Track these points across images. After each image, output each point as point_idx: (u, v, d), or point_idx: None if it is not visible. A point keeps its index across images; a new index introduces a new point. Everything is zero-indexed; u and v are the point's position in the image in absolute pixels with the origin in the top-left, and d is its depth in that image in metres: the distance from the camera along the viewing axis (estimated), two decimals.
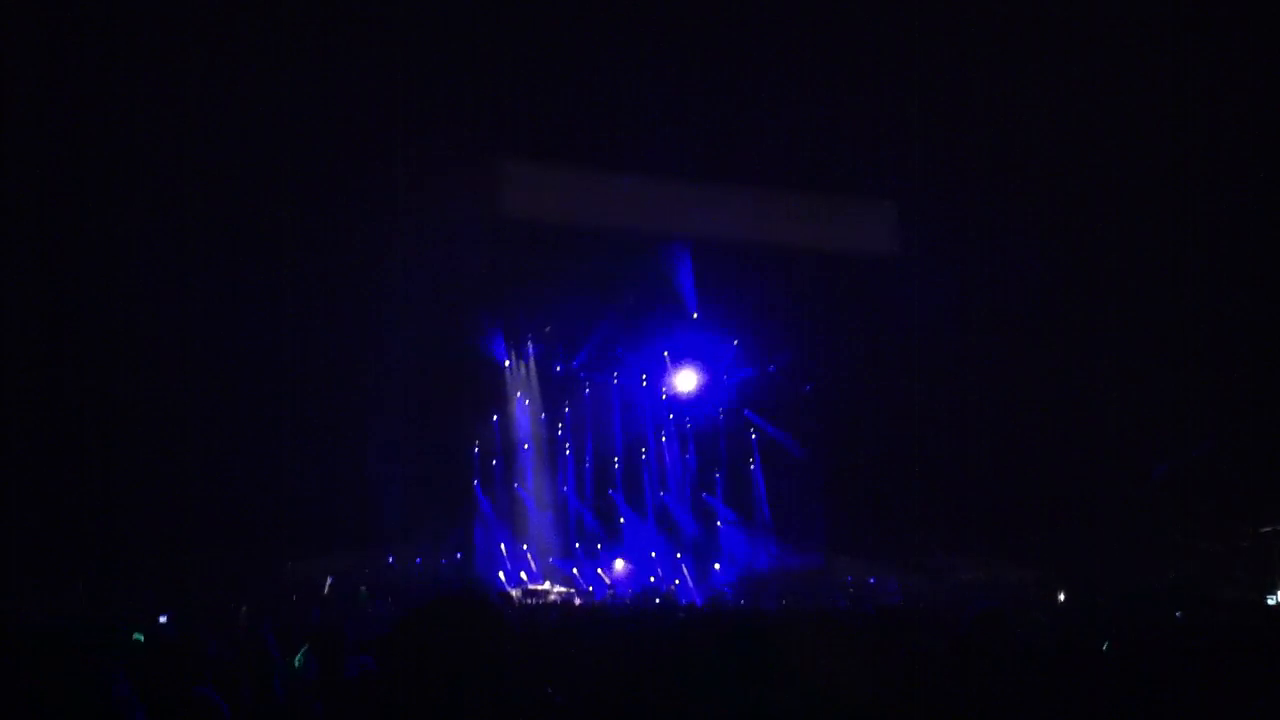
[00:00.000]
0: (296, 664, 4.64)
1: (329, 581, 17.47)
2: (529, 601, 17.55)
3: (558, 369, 22.68)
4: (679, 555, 21.59)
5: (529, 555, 21.46)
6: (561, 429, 22.96)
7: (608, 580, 20.80)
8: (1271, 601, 14.55)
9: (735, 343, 22.22)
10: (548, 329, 22.42)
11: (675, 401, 22.71)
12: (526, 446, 22.58)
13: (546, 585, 19.93)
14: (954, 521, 18.92)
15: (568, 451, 22.88)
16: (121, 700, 1.65)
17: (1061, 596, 15.16)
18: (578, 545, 21.88)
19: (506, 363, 22.15)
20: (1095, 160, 15.93)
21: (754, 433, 22.58)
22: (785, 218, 19.02)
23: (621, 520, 22.26)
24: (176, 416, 16.72)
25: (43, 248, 14.93)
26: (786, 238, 19.36)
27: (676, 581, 20.74)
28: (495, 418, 22.45)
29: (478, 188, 18.07)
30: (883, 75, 16.38)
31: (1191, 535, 16.40)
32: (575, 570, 21.16)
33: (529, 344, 22.45)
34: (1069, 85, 15.34)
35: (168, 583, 14.73)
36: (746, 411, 22.59)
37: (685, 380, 22.42)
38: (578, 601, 18.23)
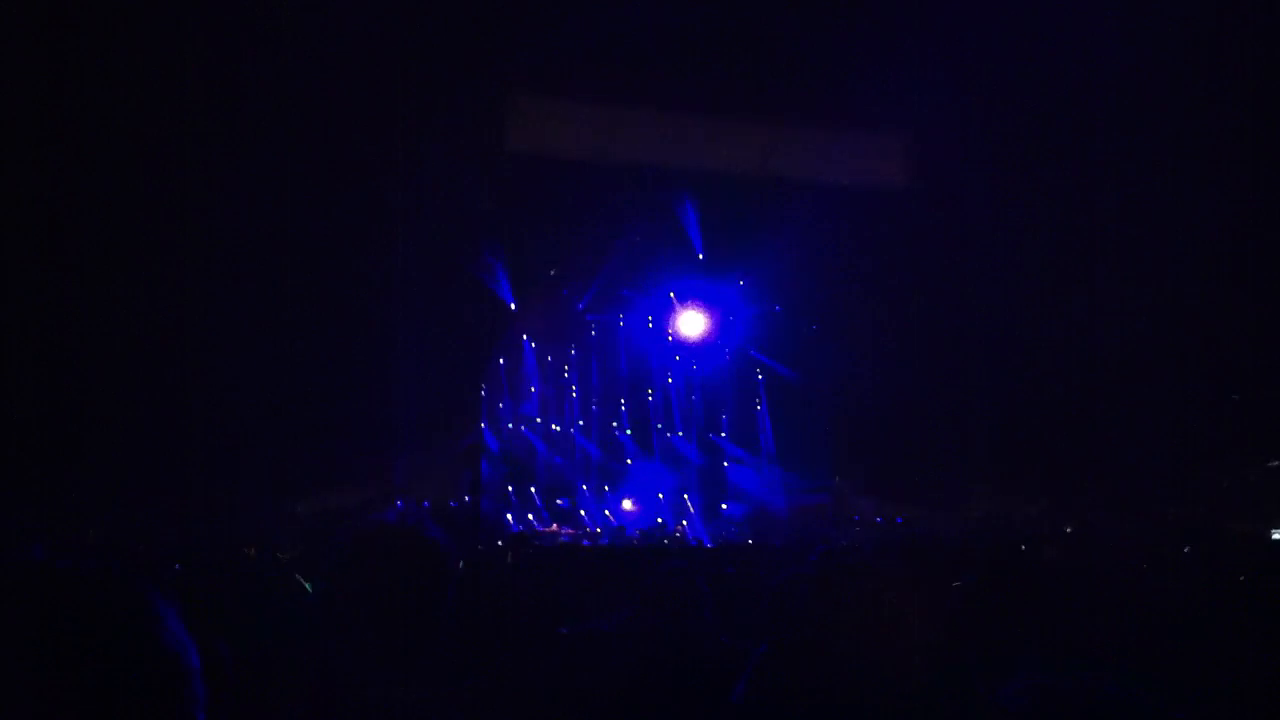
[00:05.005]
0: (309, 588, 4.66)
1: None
2: (537, 543, 17.60)
3: (563, 310, 22.60)
4: (686, 495, 21.65)
5: (537, 497, 21.52)
6: (568, 371, 22.94)
7: (615, 521, 20.86)
8: (1277, 535, 14.56)
9: (741, 283, 22.12)
10: (553, 271, 22.30)
11: (681, 342, 22.65)
12: (533, 389, 22.58)
13: (554, 527, 20.01)
14: (962, 456, 18.93)
15: (574, 393, 22.88)
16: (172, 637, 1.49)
17: (1069, 530, 15.17)
18: (585, 487, 21.93)
19: (512, 304, 22.04)
20: (1116, 86, 15.69)
21: (760, 372, 22.56)
22: (789, 153, 18.86)
23: (629, 461, 22.31)
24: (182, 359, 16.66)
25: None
26: (791, 173, 19.21)
27: (684, 522, 20.81)
28: (501, 360, 22.43)
29: (480, 122, 17.91)
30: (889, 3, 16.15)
31: (1199, 468, 16.37)
32: (583, 512, 21.24)
33: (535, 285, 22.34)
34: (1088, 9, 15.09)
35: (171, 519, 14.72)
36: (753, 351, 22.57)
37: (691, 321, 22.31)
38: (586, 543, 18.30)
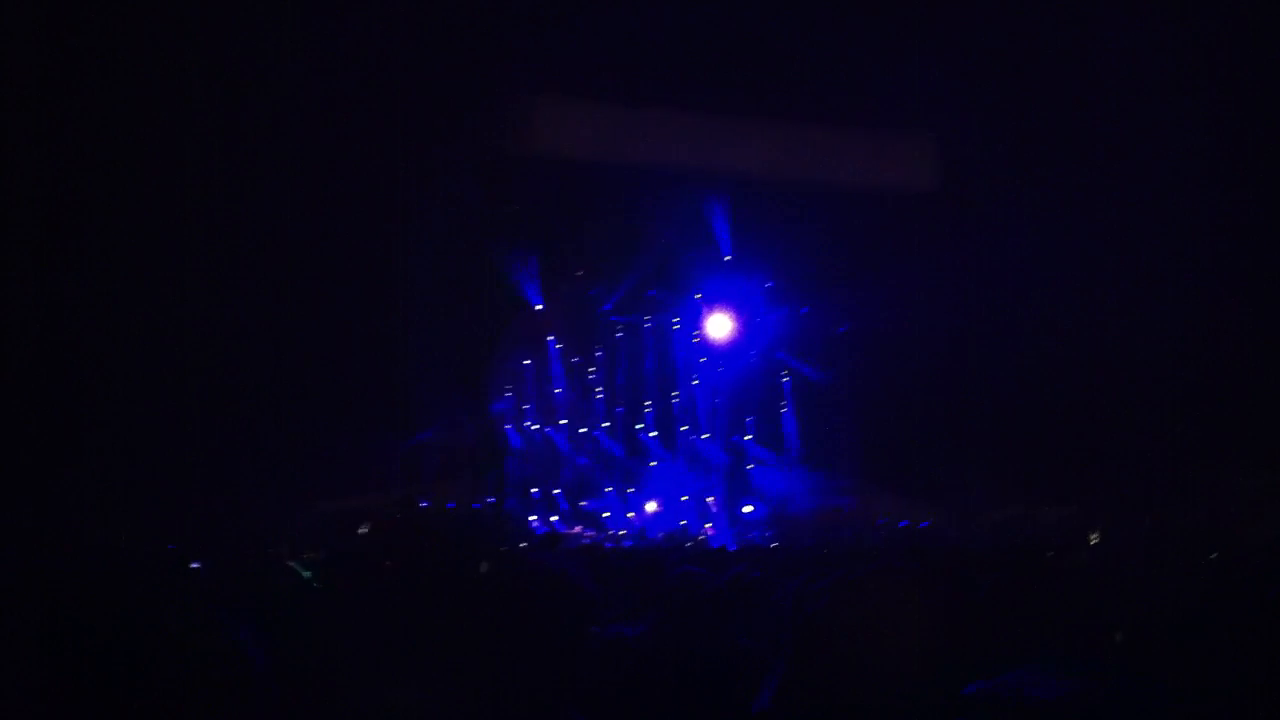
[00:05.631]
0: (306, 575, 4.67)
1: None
2: (560, 545, 17.60)
3: (590, 312, 22.59)
4: (710, 498, 21.59)
5: (561, 499, 21.51)
6: (593, 372, 22.92)
7: (638, 524, 20.82)
8: None
9: (768, 285, 22.05)
10: (579, 272, 22.30)
11: (707, 344, 22.59)
12: (559, 390, 22.57)
13: (577, 529, 19.99)
14: (989, 460, 18.82)
15: (599, 395, 22.85)
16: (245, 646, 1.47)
17: (1094, 538, 15.07)
18: (609, 489, 21.90)
19: (539, 306, 22.06)
20: (1142, 91, 15.56)
21: (786, 375, 22.47)
22: (817, 155, 18.80)
23: (653, 463, 22.26)
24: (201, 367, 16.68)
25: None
26: (819, 176, 19.14)
27: (709, 525, 20.76)
28: (528, 361, 22.43)
29: (506, 124, 17.90)
30: (921, 3, 16.08)
31: (1225, 473, 16.23)
32: (606, 514, 21.21)
33: (561, 286, 22.34)
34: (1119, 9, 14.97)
35: (193, 525, 14.74)
36: (779, 353, 22.48)
37: (717, 323, 22.25)
38: (609, 545, 18.28)
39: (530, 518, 20.78)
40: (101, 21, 14.37)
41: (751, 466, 22.42)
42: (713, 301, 22.15)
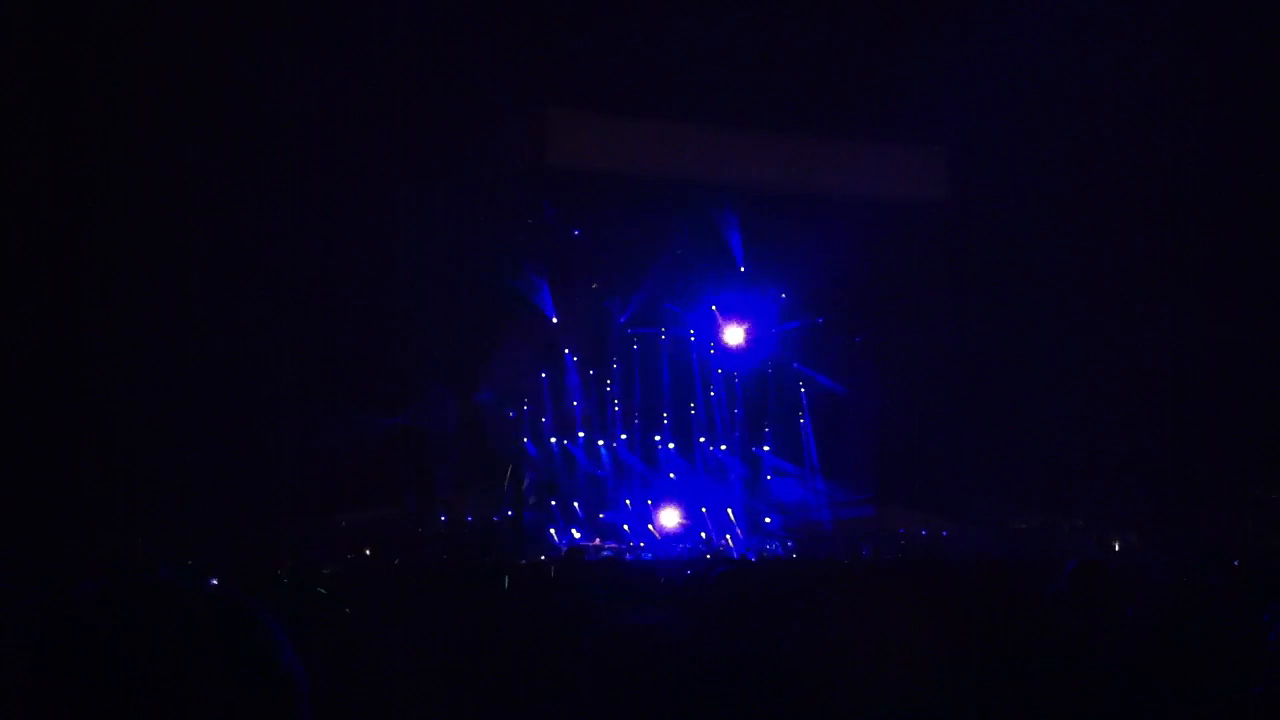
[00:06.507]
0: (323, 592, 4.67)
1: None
2: (583, 558, 17.56)
3: (605, 324, 22.60)
4: (730, 508, 21.55)
5: (579, 511, 21.50)
6: (610, 385, 22.92)
7: (658, 535, 20.79)
8: None
9: (783, 295, 22.04)
10: (595, 285, 22.34)
11: (723, 355, 22.59)
12: (576, 403, 22.59)
13: (597, 542, 19.98)
14: (1006, 470, 18.77)
15: (616, 407, 22.86)
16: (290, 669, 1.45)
17: (1117, 546, 15.02)
18: (627, 501, 21.88)
19: (554, 319, 22.08)
20: (1156, 103, 15.52)
21: (804, 385, 22.46)
22: (829, 167, 18.80)
23: (671, 475, 22.24)
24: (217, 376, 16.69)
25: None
26: (833, 187, 19.15)
27: (728, 536, 20.73)
28: (544, 374, 22.46)
29: (521, 137, 17.94)
30: (932, 18, 16.08)
31: (1244, 484, 16.16)
32: (625, 526, 21.18)
33: (577, 299, 22.36)
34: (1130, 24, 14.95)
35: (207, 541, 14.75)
36: (796, 364, 22.46)
37: (733, 334, 22.24)
38: (629, 557, 18.26)
39: (550, 530, 20.78)
40: (112, 30, 14.45)
41: (770, 477, 22.40)
42: (728, 313, 22.15)
